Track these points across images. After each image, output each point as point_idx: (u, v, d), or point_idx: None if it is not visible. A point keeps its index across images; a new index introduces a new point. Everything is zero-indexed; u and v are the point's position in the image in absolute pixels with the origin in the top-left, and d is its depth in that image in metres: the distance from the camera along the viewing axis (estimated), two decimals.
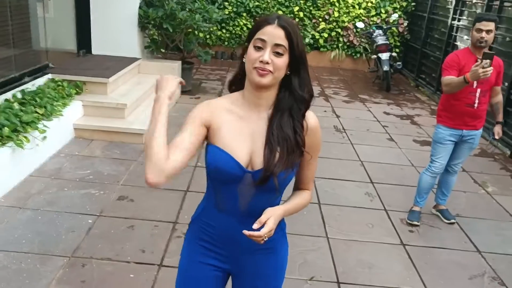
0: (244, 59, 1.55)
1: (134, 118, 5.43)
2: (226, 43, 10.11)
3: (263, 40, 1.47)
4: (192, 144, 1.50)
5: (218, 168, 1.53)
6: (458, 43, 7.77)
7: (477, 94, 3.57)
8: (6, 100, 4.35)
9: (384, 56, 8.42)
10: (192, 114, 1.56)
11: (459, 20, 7.90)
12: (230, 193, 1.58)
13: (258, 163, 1.54)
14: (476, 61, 3.39)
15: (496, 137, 3.76)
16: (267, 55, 1.46)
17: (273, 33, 1.47)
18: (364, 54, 10.23)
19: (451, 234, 3.85)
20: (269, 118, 1.56)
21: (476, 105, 3.59)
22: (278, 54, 1.47)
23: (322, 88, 8.48)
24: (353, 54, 10.32)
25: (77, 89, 5.33)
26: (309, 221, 3.83)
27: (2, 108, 4.09)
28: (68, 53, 6.50)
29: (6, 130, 3.86)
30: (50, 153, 4.59)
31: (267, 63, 1.46)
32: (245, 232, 1.47)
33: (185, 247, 1.78)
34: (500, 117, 3.80)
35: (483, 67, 3.23)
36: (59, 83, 5.21)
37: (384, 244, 3.61)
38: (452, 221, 3.97)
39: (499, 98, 3.78)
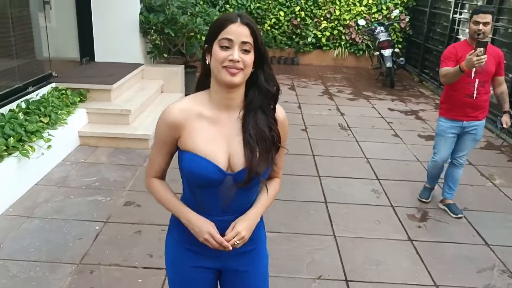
0: (206, 60, 1.55)
1: (139, 123, 5.45)
2: None
3: (229, 40, 1.47)
4: (168, 160, 1.67)
5: (197, 174, 1.54)
6: (460, 37, 7.73)
7: (476, 85, 3.62)
8: (11, 110, 4.39)
9: (387, 52, 8.39)
10: (158, 134, 1.61)
11: (460, 13, 7.86)
12: (211, 196, 1.59)
13: (238, 164, 1.55)
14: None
15: (504, 126, 3.77)
16: (236, 53, 1.47)
17: (239, 31, 1.47)
18: (366, 51, 10.21)
19: (459, 228, 3.83)
20: (242, 119, 1.57)
21: (475, 95, 3.64)
22: (245, 52, 1.49)
23: (326, 87, 8.47)
24: (356, 51, 10.30)
25: (81, 97, 5.37)
26: (316, 220, 3.83)
27: (7, 119, 4.12)
28: (71, 62, 6.54)
29: (11, 140, 3.89)
30: (56, 161, 4.62)
31: (238, 61, 1.47)
32: (217, 238, 1.56)
33: (169, 256, 1.76)
34: (506, 107, 3.79)
35: (477, 55, 3.29)
36: (63, 91, 5.25)
37: (391, 241, 3.60)
38: (460, 215, 3.95)
39: (504, 88, 3.78)
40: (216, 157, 1.53)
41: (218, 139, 1.55)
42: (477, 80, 3.61)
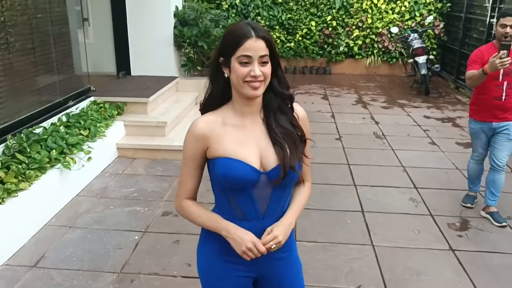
0: (226, 74, 1.57)
1: (175, 135, 5.54)
2: None
3: (248, 56, 1.50)
4: (198, 177, 1.68)
5: (231, 176, 1.56)
6: None
7: (504, 87, 3.63)
8: (53, 124, 4.55)
9: (421, 59, 8.26)
10: (187, 150, 1.64)
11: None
12: (247, 199, 1.61)
13: (270, 164, 1.58)
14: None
15: None
16: (257, 69, 1.51)
17: (256, 47, 1.50)
18: (400, 59, 10.08)
19: (502, 237, 3.70)
20: (264, 121, 1.63)
21: (503, 97, 3.65)
22: (264, 64, 1.53)
23: (359, 96, 8.39)
24: (389, 59, 10.19)
25: (118, 110, 5.51)
26: (353, 229, 3.78)
27: (49, 132, 4.27)
28: (108, 76, 6.73)
29: (54, 153, 4.03)
30: (96, 173, 4.74)
31: (259, 76, 1.51)
32: (260, 247, 1.56)
33: (205, 268, 1.75)
34: None
35: (500, 58, 3.32)
36: (101, 105, 5.40)
37: (432, 250, 3.51)
38: (504, 224, 3.82)
39: None
40: (248, 157, 1.57)
41: (247, 142, 1.59)
42: (505, 83, 3.62)
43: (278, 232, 1.59)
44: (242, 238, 1.57)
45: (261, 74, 1.52)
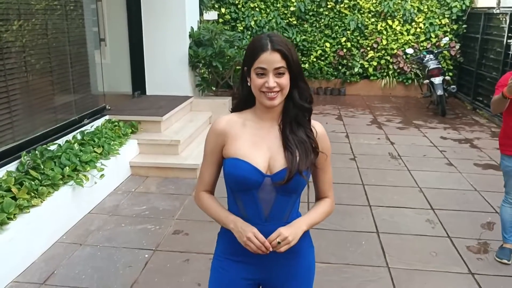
0: (248, 82, 1.65)
1: (188, 154, 5.53)
2: None
3: (263, 68, 1.58)
4: (216, 171, 1.77)
5: (237, 176, 1.63)
6: None
7: None
8: (67, 141, 4.57)
9: (437, 80, 8.19)
10: (207, 145, 1.74)
11: None
12: (251, 200, 1.66)
13: (277, 166, 1.63)
14: None
15: None
16: (271, 81, 1.58)
17: (271, 59, 1.57)
18: (415, 80, 10.01)
19: None
20: (280, 127, 1.68)
21: None
22: (280, 75, 1.59)
23: (374, 116, 8.32)
24: (404, 80, 10.12)
25: (132, 129, 5.54)
26: (368, 251, 3.68)
27: (63, 149, 4.29)
28: (123, 95, 6.80)
29: (67, 170, 4.03)
30: (108, 190, 4.73)
31: (274, 87, 1.58)
32: (260, 238, 1.59)
33: (216, 265, 1.80)
34: None
35: None
36: (116, 123, 5.43)
37: (450, 273, 3.39)
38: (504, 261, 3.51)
39: None
40: (256, 159, 1.63)
41: (260, 144, 1.66)
42: None
43: (284, 229, 1.61)
44: (244, 229, 1.62)
45: (275, 85, 1.58)
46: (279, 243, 1.58)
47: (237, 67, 7.20)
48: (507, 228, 3.57)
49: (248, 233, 1.60)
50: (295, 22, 10.04)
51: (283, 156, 1.63)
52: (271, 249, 1.59)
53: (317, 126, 1.73)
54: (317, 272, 3.34)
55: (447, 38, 9.58)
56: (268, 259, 1.69)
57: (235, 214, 1.70)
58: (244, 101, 1.73)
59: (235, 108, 1.76)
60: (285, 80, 1.59)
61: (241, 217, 1.67)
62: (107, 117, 5.58)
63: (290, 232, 1.60)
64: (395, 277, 3.33)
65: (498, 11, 8.32)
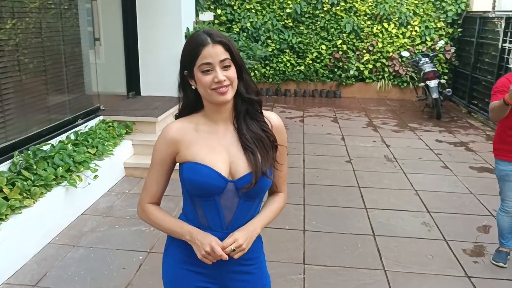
0: (193, 86, 1.56)
1: None
2: (270, 79, 10.22)
3: (209, 63, 1.50)
4: (165, 182, 1.67)
5: (198, 182, 1.53)
6: (511, 66, 7.46)
7: None
8: (61, 141, 4.52)
9: (433, 83, 8.20)
10: (156, 154, 1.63)
11: (510, 42, 7.62)
12: (213, 207, 1.57)
13: (240, 171, 1.55)
14: None
15: None
16: (220, 74, 1.49)
17: (214, 53, 1.49)
18: (411, 83, 10.02)
19: None
20: (235, 127, 1.61)
21: None
22: (226, 67, 1.51)
23: (370, 119, 8.32)
24: (400, 83, 10.13)
25: (127, 129, 5.49)
26: (364, 253, 3.66)
27: (57, 149, 4.24)
28: (118, 96, 6.74)
29: (60, 170, 3.98)
30: (102, 191, 4.68)
31: (224, 80, 1.50)
32: (217, 251, 1.50)
33: (168, 276, 1.71)
34: None
35: None
36: (110, 124, 5.38)
37: (446, 276, 3.37)
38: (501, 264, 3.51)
39: None
40: (217, 164, 1.54)
41: (217, 149, 1.57)
42: None
43: (239, 235, 1.54)
44: (201, 242, 1.53)
45: (225, 78, 1.50)
46: (233, 250, 1.51)
47: None
48: (505, 235, 3.54)
49: (206, 247, 1.50)
50: (291, 24, 10.03)
51: (244, 158, 1.55)
52: (226, 257, 1.51)
53: (273, 117, 1.66)
54: (313, 275, 3.33)
55: (442, 42, 9.61)
56: (225, 271, 1.63)
57: (193, 221, 1.60)
58: (190, 106, 1.62)
59: (182, 114, 1.64)
60: (233, 72, 1.52)
61: (200, 225, 1.59)
62: (101, 117, 5.52)
63: (245, 239, 1.53)
64: (391, 280, 3.31)
65: (493, 15, 8.35)
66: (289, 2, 9.89)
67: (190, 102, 1.62)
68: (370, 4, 9.84)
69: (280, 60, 10.08)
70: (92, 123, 5.28)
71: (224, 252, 1.50)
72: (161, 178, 1.66)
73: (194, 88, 1.57)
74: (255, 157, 1.55)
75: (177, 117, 1.66)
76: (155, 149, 1.63)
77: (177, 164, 1.65)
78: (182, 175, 1.58)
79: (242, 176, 1.54)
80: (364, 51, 10.04)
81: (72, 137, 4.73)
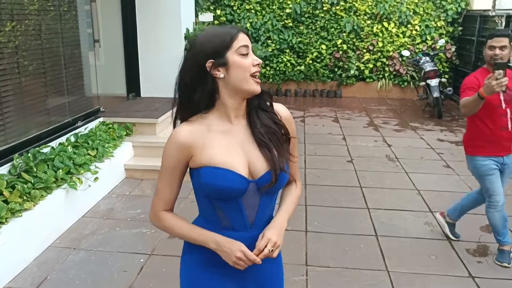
0: (221, 75, 1.47)
1: None
2: (270, 80, 10.19)
3: (246, 46, 1.47)
4: (177, 188, 1.60)
5: (219, 186, 1.47)
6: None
7: (508, 115, 3.29)
8: (61, 143, 4.50)
9: (434, 82, 8.17)
10: (168, 160, 1.54)
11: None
12: (236, 209, 1.52)
13: (259, 170, 1.51)
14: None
15: None
16: (256, 57, 1.49)
17: (246, 39, 1.49)
18: (411, 82, 9.99)
19: None
20: (248, 123, 1.56)
21: (510, 126, 3.29)
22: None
23: (371, 118, 8.29)
24: (400, 83, 10.11)
25: (127, 131, 5.47)
26: (367, 254, 3.63)
27: (56, 152, 4.22)
28: (118, 97, 6.72)
29: (60, 172, 3.96)
30: (103, 193, 4.66)
31: (259, 64, 1.50)
32: (256, 255, 1.48)
33: (188, 278, 1.66)
34: None
35: (496, 79, 2.97)
36: (110, 125, 5.36)
37: (450, 277, 3.34)
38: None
39: None
40: (236, 166, 1.49)
41: (234, 149, 1.51)
42: (508, 110, 3.28)
43: (271, 234, 1.51)
44: (230, 248, 1.48)
45: (261, 61, 1.50)
46: (271, 250, 1.49)
47: None
48: (500, 231, 3.51)
49: (237, 253, 1.47)
50: (290, 24, 10.00)
51: (261, 156, 1.51)
52: (260, 262, 1.48)
53: (281, 108, 1.63)
54: (316, 276, 3.31)
55: (443, 41, 9.58)
56: (251, 268, 1.55)
57: (215, 225, 1.55)
58: (204, 105, 1.52)
59: (187, 116, 1.54)
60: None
61: (224, 227, 1.54)
62: (101, 119, 5.50)
63: (277, 235, 1.51)
64: (394, 280, 3.28)
65: (493, 14, 8.32)
66: (289, 2, 9.88)
67: (205, 99, 1.51)
68: (370, 3, 9.81)
69: (280, 60, 10.06)
70: (92, 125, 5.26)
71: (262, 254, 1.48)
72: (174, 183, 1.58)
73: (223, 76, 1.47)
74: (271, 153, 1.52)
75: (183, 119, 1.55)
76: (166, 154, 1.54)
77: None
78: (200, 180, 1.51)
79: (263, 175, 1.51)
80: (364, 50, 10.01)
81: (72, 139, 4.70)
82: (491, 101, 3.20)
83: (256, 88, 1.49)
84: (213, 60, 1.46)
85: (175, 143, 1.51)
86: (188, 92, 1.52)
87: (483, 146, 3.38)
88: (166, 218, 1.60)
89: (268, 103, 1.59)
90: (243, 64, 1.46)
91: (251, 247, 1.51)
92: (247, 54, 1.47)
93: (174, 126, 1.60)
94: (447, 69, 9.96)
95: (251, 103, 1.56)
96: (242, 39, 1.47)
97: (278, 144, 1.54)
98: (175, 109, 1.58)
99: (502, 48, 3.20)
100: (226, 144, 1.51)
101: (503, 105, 3.27)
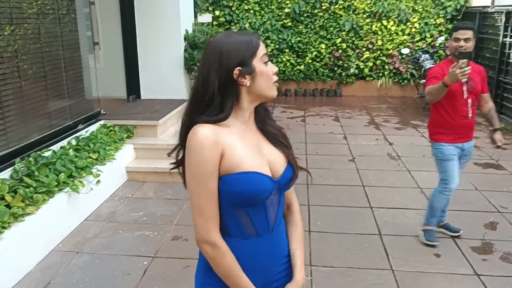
0: (247, 83, 1.44)
1: None
2: None
3: (267, 54, 1.50)
4: (217, 199, 1.45)
5: (252, 192, 1.41)
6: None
7: (469, 105, 3.49)
8: (62, 147, 4.49)
9: None
10: (201, 165, 1.38)
11: (511, 37, 7.58)
12: (261, 212, 1.48)
13: (279, 168, 1.52)
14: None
15: (499, 144, 3.62)
16: (273, 65, 1.51)
17: (263, 46, 1.50)
18: (411, 80, 9.98)
19: None
20: (259, 127, 1.57)
21: (470, 115, 3.51)
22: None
23: (371, 117, 8.28)
24: (400, 81, 10.09)
25: (128, 133, 5.45)
26: (371, 253, 3.62)
27: (58, 155, 4.21)
28: (118, 100, 6.71)
29: (62, 176, 3.95)
30: (105, 196, 4.65)
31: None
32: None
33: None
34: (497, 124, 3.64)
35: (460, 67, 3.13)
36: (111, 128, 5.35)
37: (455, 275, 3.33)
38: (458, 233, 3.85)
39: (491, 104, 3.65)
40: (262, 167, 1.47)
41: (255, 151, 1.49)
42: (469, 100, 3.48)
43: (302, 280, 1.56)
44: None
45: (277, 68, 1.54)
46: None
47: None
48: (436, 214, 3.77)
49: None
50: (289, 24, 10.00)
51: (278, 154, 1.53)
52: None
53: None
54: (320, 276, 3.29)
55: (442, 38, 9.57)
56: (272, 267, 1.56)
57: (237, 233, 1.47)
58: (228, 112, 1.45)
59: (218, 120, 1.44)
60: None
61: (248, 234, 1.48)
62: (102, 122, 5.49)
63: None
64: (399, 280, 3.27)
65: (493, 10, 8.32)
66: (288, 1, 9.87)
67: (233, 106, 1.46)
68: (368, 2, 9.80)
69: (279, 60, 10.04)
70: (93, 127, 5.25)
71: None
72: (216, 195, 1.41)
73: (247, 85, 1.44)
74: (288, 149, 1.55)
75: (215, 121, 1.43)
76: (197, 162, 1.38)
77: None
78: (229, 189, 1.41)
79: (283, 172, 1.52)
80: (364, 49, 10.00)
81: (74, 142, 4.69)
82: (454, 91, 3.38)
83: (275, 93, 1.52)
84: (240, 68, 1.43)
85: (206, 144, 1.38)
86: (228, 96, 1.45)
87: (446, 134, 3.56)
88: (225, 252, 1.44)
89: (267, 110, 1.62)
90: (268, 72, 1.48)
91: (273, 250, 1.54)
92: (267, 61, 1.49)
93: (182, 135, 1.51)
94: None
95: (258, 110, 1.58)
96: (262, 47, 1.49)
97: (290, 145, 1.59)
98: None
99: (466, 40, 3.38)
100: (249, 146, 1.47)
101: (465, 95, 3.45)
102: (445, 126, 3.57)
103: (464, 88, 3.44)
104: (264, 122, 1.58)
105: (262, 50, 1.48)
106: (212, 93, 1.43)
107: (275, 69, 1.50)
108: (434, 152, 3.70)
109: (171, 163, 1.56)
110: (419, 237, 3.80)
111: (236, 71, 1.43)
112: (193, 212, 1.44)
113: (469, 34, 3.39)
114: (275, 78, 1.50)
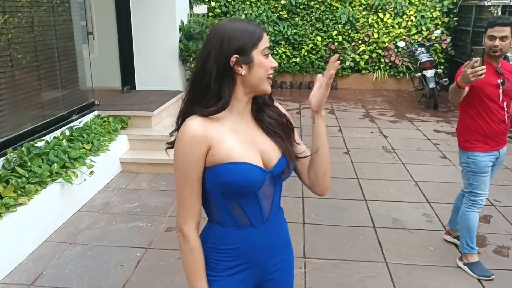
0: (242, 72, 1.43)
1: None
2: None
3: (268, 47, 1.47)
4: (200, 193, 1.47)
5: (241, 182, 1.42)
6: (508, 54, 7.42)
7: (505, 108, 3.11)
8: (55, 137, 4.45)
9: (429, 73, 8.15)
10: (185, 159, 1.40)
11: None
12: (254, 203, 1.49)
13: (272, 159, 1.50)
14: (494, 71, 3.02)
15: None
16: (273, 60, 1.49)
17: (267, 39, 1.48)
18: (407, 74, 9.97)
19: None
20: (255, 118, 1.55)
21: (507, 120, 3.13)
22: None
23: (367, 110, 8.27)
24: (396, 74, 10.08)
25: (122, 124, 5.41)
26: (365, 246, 3.62)
27: (51, 145, 4.17)
28: (113, 90, 6.67)
29: (55, 166, 3.92)
30: (98, 187, 4.62)
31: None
32: None
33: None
34: None
35: (472, 67, 2.74)
36: (105, 119, 5.31)
37: (449, 268, 3.34)
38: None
39: None
40: (252, 157, 1.46)
41: (248, 141, 1.48)
42: (505, 103, 3.10)
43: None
44: None
45: (277, 64, 1.51)
46: None
47: None
48: (474, 235, 3.27)
49: None
50: (286, 16, 9.94)
51: (272, 145, 1.51)
52: None
53: (276, 103, 1.65)
54: (314, 268, 3.29)
55: (438, 31, 9.55)
56: (266, 260, 1.56)
57: (230, 224, 1.49)
58: (226, 102, 1.44)
59: (216, 111, 1.43)
60: None
61: (242, 225, 1.49)
62: (96, 112, 5.45)
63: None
64: (393, 272, 3.27)
65: (489, 4, 8.30)
66: None
67: (231, 96, 1.45)
68: None
69: (275, 52, 9.99)
70: (87, 118, 5.21)
71: None
72: (199, 189, 1.45)
73: (242, 74, 1.42)
74: (282, 140, 1.53)
75: (209, 113, 1.44)
76: (182, 154, 1.41)
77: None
78: (219, 179, 1.42)
79: (276, 163, 1.50)
80: (360, 41, 9.97)
81: (67, 133, 4.65)
82: (489, 94, 3.04)
83: (269, 89, 1.51)
84: (237, 56, 1.42)
85: (191, 138, 1.40)
86: (225, 85, 1.44)
87: (482, 141, 3.14)
88: (195, 245, 1.48)
89: (269, 98, 1.60)
90: (266, 65, 1.46)
91: (269, 241, 1.54)
92: (268, 55, 1.46)
93: (179, 119, 1.50)
94: (442, 60, 9.93)
95: (257, 99, 1.56)
96: (266, 40, 1.46)
97: (285, 134, 1.56)
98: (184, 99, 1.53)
99: (502, 38, 2.94)
100: (240, 138, 1.47)
101: (501, 98, 3.07)
102: (480, 133, 3.13)
103: (500, 90, 3.04)
104: (263, 115, 1.55)
105: (264, 42, 1.45)
106: (210, 77, 1.42)
107: (275, 64, 1.47)
108: (466, 162, 3.22)
109: (167, 143, 1.56)
110: (465, 270, 3.28)
111: (233, 58, 1.42)
112: (175, 201, 1.50)
113: (507, 31, 2.93)
114: (271, 71, 1.48)
